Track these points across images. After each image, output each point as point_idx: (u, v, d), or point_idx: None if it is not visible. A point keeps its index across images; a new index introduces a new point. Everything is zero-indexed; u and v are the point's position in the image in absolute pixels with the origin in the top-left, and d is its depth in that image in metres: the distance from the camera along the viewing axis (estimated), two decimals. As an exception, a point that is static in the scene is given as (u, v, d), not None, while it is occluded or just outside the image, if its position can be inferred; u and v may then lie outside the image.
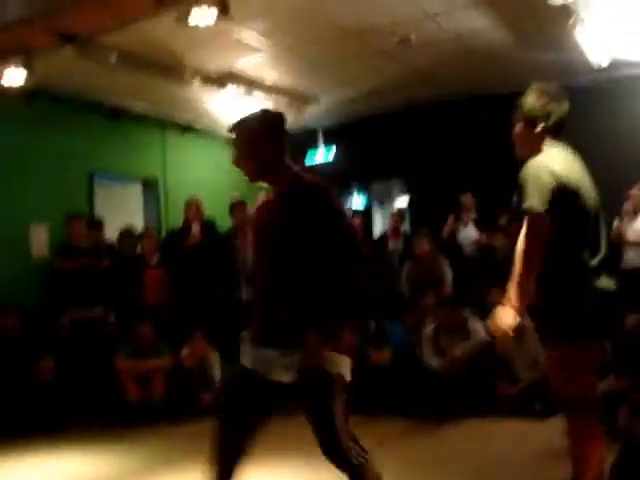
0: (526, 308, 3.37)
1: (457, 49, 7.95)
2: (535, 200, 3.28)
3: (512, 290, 3.32)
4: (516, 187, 3.49)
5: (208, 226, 8.71)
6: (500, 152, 9.35)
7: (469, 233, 9.03)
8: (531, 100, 3.61)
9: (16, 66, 6.66)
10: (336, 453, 3.22)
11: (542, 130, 3.55)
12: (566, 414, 3.49)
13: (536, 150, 3.51)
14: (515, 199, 3.48)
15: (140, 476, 5.41)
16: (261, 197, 10.15)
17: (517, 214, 3.42)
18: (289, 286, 3.19)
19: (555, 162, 3.39)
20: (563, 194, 3.30)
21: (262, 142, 3.34)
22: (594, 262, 3.38)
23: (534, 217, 3.28)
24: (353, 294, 3.19)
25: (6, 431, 6.58)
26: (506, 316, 3.30)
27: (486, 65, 8.51)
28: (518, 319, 3.30)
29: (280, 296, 3.23)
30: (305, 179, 3.30)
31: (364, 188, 15.22)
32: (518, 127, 3.70)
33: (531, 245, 3.30)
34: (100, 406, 7.36)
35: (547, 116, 3.53)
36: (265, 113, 3.50)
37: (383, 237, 9.85)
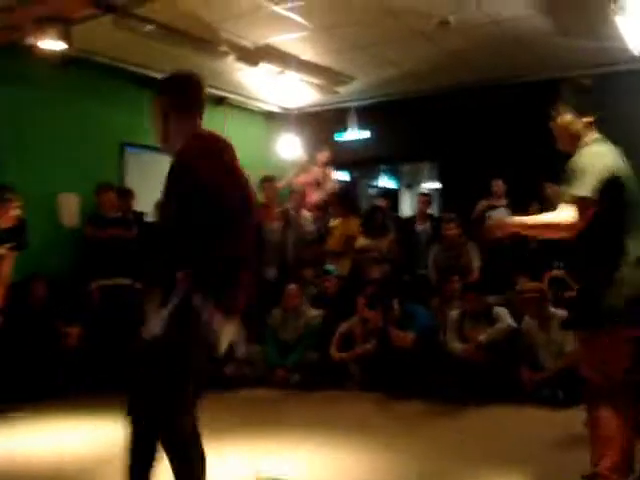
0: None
1: (496, 34, 7.85)
2: (587, 187, 3.37)
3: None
4: (562, 173, 3.55)
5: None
6: (534, 140, 9.38)
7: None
8: (573, 96, 3.77)
9: (55, 34, 6.66)
10: None
11: (588, 122, 3.64)
12: (590, 399, 3.55)
13: (581, 142, 3.61)
14: (561, 185, 3.59)
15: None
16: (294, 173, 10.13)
17: (562, 199, 3.49)
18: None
19: (606, 154, 3.51)
20: (612, 185, 3.40)
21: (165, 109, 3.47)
22: (637, 253, 3.44)
23: (583, 203, 3.37)
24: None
25: (36, 396, 6.73)
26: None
27: (525, 51, 8.40)
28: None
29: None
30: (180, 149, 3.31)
31: (393, 170, 15.25)
32: (561, 118, 3.76)
33: (571, 225, 3.40)
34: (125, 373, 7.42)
35: (589, 110, 3.65)
36: (171, 79, 3.59)
37: (410, 219, 9.83)
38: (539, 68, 8.92)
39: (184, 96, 3.44)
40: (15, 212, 6.54)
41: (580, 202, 3.38)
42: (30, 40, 6.71)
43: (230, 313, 3.19)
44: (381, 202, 10.28)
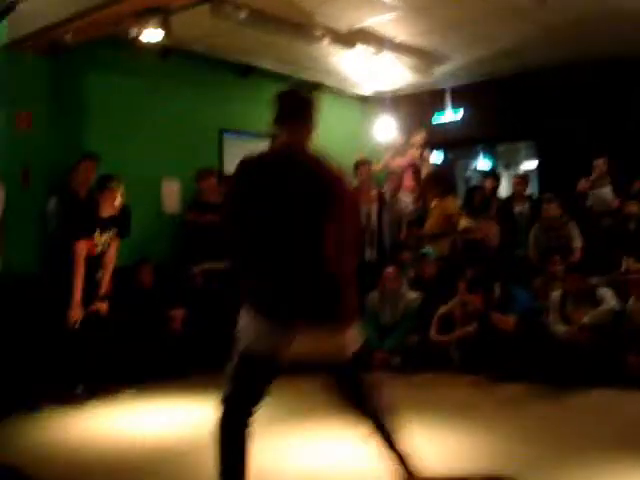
0: None
1: (595, 9, 7.63)
2: None
3: None
4: None
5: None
6: (635, 117, 9.12)
7: (602, 198, 8.73)
8: None
9: (154, 24, 6.82)
10: None
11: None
12: None
13: None
14: None
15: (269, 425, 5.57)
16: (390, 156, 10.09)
17: None
18: None
19: None
20: None
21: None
22: None
23: None
24: None
25: (143, 377, 6.97)
26: None
27: (627, 28, 8.12)
28: None
29: None
30: None
31: (490, 150, 15.01)
32: None
33: None
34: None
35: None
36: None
37: (509, 200, 9.69)
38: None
39: (279, 110, 3.69)
40: (118, 201, 6.75)
41: None
42: (132, 32, 6.88)
43: (279, 318, 3.29)
44: (488, 183, 10.12)
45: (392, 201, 9.26)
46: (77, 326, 6.46)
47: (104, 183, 6.75)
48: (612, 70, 9.23)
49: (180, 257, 8.29)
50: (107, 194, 6.70)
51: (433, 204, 9.08)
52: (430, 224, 8.86)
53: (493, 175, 10.52)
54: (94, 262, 6.72)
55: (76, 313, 6.45)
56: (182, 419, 5.92)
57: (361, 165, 9.05)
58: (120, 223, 6.89)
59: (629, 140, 9.00)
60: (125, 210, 6.93)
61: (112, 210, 6.75)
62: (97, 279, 6.81)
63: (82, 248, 6.54)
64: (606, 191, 8.74)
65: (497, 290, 7.25)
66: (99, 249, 6.75)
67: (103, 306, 6.77)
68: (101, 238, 6.73)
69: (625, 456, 4.50)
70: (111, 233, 6.80)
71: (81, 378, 6.57)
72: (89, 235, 6.64)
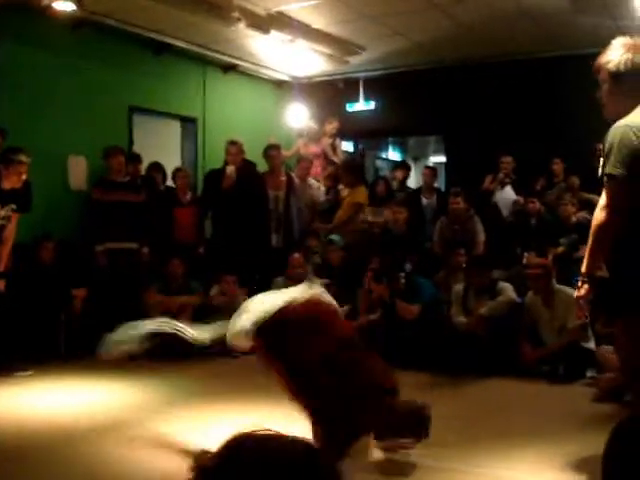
0: (590, 278, 3.35)
1: (512, 9, 7.81)
2: (616, 165, 3.15)
3: (585, 259, 3.34)
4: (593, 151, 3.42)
5: (246, 168, 8.72)
6: (541, 116, 9.40)
7: (506, 195, 8.99)
8: (616, 55, 3.33)
9: (67, -6, 6.66)
10: None
11: (631, 87, 3.30)
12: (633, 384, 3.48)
13: (626, 110, 3.27)
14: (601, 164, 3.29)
15: (167, 407, 5.54)
16: (303, 142, 10.09)
17: (599, 180, 3.30)
18: None
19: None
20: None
21: None
22: None
23: (614, 184, 3.17)
24: None
25: (42, 357, 6.80)
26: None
27: (538, 28, 8.36)
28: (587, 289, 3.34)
29: None
30: None
31: (400, 142, 15.25)
32: (605, 87, 3.41)
33: (609, 216, 3.20)
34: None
35: (636, 71, 3.28)
36: None
37: (417, 191, 9.86)
38: (550, 45, 8.87)
39: None
40: (24, 175, 6.55)
41: (609, 181, 3.18)
42: (44, 0, 6.68)
43: None
44: (398, 173, 10.26)
45: (301, 187, 9.28)
46: None
47: (11, 155, 6.52)
48: (522, 69, 9.47)
49: (84, 235, 8.10)
50: (13, 167, 6.47)
51: (345, 193, 9.15)
52: (340, 214, 8.92)
53: (404, 166, 10.68)
54: None
55: None
56: (79, 400, 5.82)
57: (272, 150, 9.03)
58: (21, 197, 6.67)
59: (533, 137, 9.26)
60: (26, 184, 6.71)
61: (16, 184, 6.53)
62: None
63: None
64: (508, 192, 9.01)
65: (402, 280, 7.36)
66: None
67: (1, 283, 6.56)
68: (0, 212, 6.51)
69: (517, 441, 4.67)
70: (11, 207, 6.57)
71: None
72: None
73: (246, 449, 1.18)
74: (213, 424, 4.81)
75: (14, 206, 6.57)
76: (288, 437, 1.22)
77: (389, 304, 7.30)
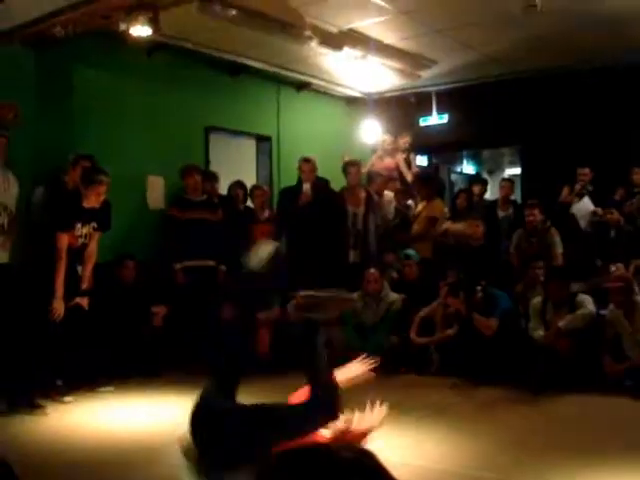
0: None
1: (584, 19, 7.69)
2: None
3: None
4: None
5: (320, 186, 8.77)
6: (618, 126, 9.22)
7: (584, 206, 8.82)
8: None
9: (144, 21, 6.82)
10: None
11: None
12: None
13: None
14: None
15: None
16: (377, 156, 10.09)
17: None
18: None
19: None
20: None
21: None
22: None
23: None
24: None
25: (125, 373, 6.99)
26: None
27: (614, 36, 8.19)
28: None
29: None
30: None
31: (474, 155, 15.13)
32: None
33: None
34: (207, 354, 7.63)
35: None
36: None
37: (493, 204, 9.76)
38: (628, 54, 8.68)
39: None
40: (102, 195, 6.73)
41: None
42: (121, 26, 6.88)
43: None
44: (476, 188, 10.20)
45: (378, 203, 9.29)
46: (59, 320, 6.43)
47: (92, 176, 6.72)
48: (598, 79, 9.30)
49: (162, 253, 8.27)
50: (93, 187, 6.67)
51: (420, 207, 9.12)
52: (415, 227, 8.89)
53: (481, 180, 10.62)
54: (75, 255, 6.68)
55: (58, 307, 6.41)
56: (160, 416, 5.92)
57: (351, 166, 9.06)
58: (101, 216, 6.85)
59: (611, 147, 9.09)
60: (106, 204, 6.90)
61: (95, 203, 6.71)
62: (78, 273, 6.79)
63: (64, 240, 6.49)
64: (587, 203, 8.83)
65: (479, 293, 7.29)
66: (80, 241, 6.71)
67: (84, 301, 6.73)
68: (82, 230, 6.69)
69: (604, 460, 4.56)
70: (92, 226, 6.77)
71: (60, 373, 6.54)
72: (71, 227, 6.60)
73: (301, 457, 1.19)
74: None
75: (95, 224, 6.77)
76: (343, 445, 1.23)
77: (466, 318, 7.23)
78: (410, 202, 9.48)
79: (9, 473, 1.37)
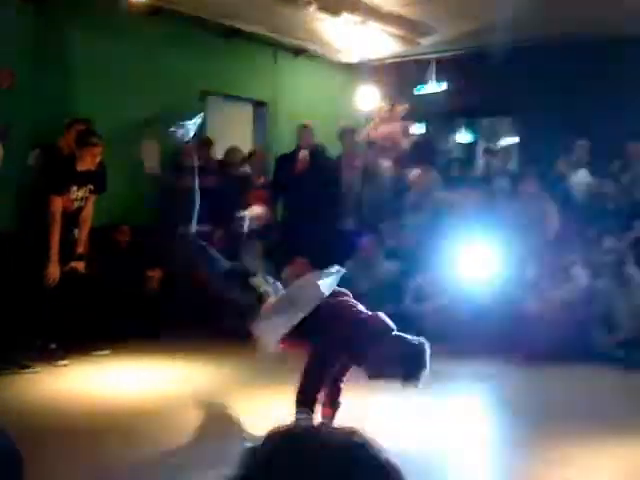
0: None
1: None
2: None
3: None
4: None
5: (318, 152, 8.75)
6: (616, 98, 9.17)
7: (581, 178, 8.81)
8: None
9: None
10: None
11: None
12: None
13: None
14: None
15: (242, 389, 5.64)
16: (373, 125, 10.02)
17: None
18: None
19: None
20: None
21: None
22: None
23: None
24: None
25: (118, 336, 6.98)
26: None
27: (613, 6, 8.13)
28: None
29: None
30: None
31: (471, 124, 15.02)
32: None
33: None
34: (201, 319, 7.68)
35: None
36: None
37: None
38: (628, 24, 8.62)
39: None
40: (98, 157, 6.70)
41: None
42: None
43: None
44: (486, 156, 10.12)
45: (373, 171, 9.27)
46: (54, 284, 6.44)
47: (85, 138, 6.68)
48: (597, 50, 9.25)
49: (158, 218, 8.27)
50: (88, 149, 6.63)
51: (414, 176, 9.08)
52: (412, 197, 8.85)
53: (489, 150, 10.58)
54: (71, 218, 6.68)
55: (53, 271, 6.42)
56: (156, 378, 5.97)
57: (347, 133, 9.03)
58: (96, 179, 6.83)
59: (608, 120, 9.06)
60: (101, 166, 6.87)
61: (90, 165, 6.68)
62: (74, 237, 6.78)
63: (58, 203, 6.48)
64: (584, 175, 8.82)
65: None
66: (76, 205, 6.70)
67: (80, 265, 6.75)
68: (78, 193, 6.67)
69: (609, 426, 4.65)
70: (87, 189, 6.75)
71: (56, 336, 6.56)
72: (65, 190, 6.58)
73: (290, 440, 1.19)
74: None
75: (91, 187, 6.74)
76: (331, 427, 1.23)
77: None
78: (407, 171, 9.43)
79: (10, 449, 1.37)
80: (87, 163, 6.65)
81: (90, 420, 4.87)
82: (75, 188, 6.64)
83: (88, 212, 6.83)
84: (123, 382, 5.90)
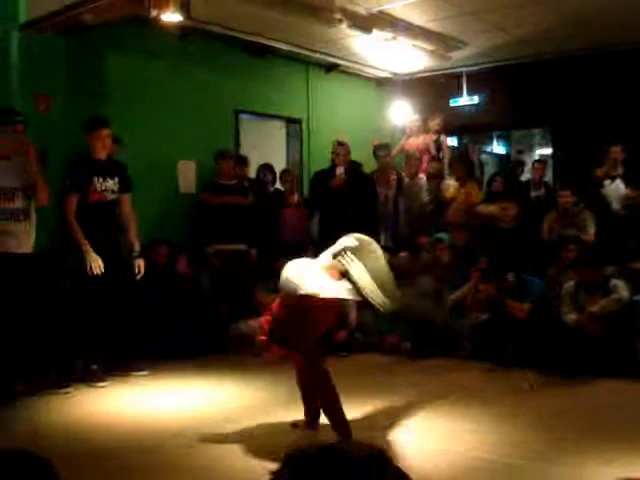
0: None
1: (616, 1, 7.59)
2: None
3: None
4: None
5: (354, 169, 8.76)
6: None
7: (616, 188, 8.72)
8: None
9: (175, 6, 6.82)
10: None
11: None
12: None
13: None
14: None
15: (279, 406, 5.64)
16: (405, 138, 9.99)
17: None
18: None
19: None
20: None
21: None
22: None
23: None
24: None
25: (159, 356, 7.01)
26: None
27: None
28: None
29: None
30: None
31: (504, 135, 15.01)
32: None
33: None
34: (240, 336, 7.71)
35: None
36: None
37: (526, 184, 9.69)
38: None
39: None
40: (106, 140, 6.61)
41: None
42: (152, 13, 6.88)
43: None
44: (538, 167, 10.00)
45: (410, 185, 9.26)
46: (100, 270, 6.38)
47: (92, 124, 6.61)
48: (629, 60, 9.19)
49: (195, 238, 8.33)
50: (95, 134, 6.55)
51: (454, 190, 9.01)
52: (453, 215, 8.78)
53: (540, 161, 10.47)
54: (107, 212, 6.66)
55: (92, 259, 6.35)
56: (195, 400, 5.98)
57: (381, 149, 9.05)
58: (120, 173, 6.75)
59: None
60: (117, 163, 6.84)
61: (103, 151, 6.60)
62: (120, 239, 6.78)
63: (72, 202, 6.43)
64: (618, 185, 8.71)
65: (510, 279, 7.25)
66: (109, 196, 6.63)
67: (140, 262, 6.76)
68: (105, 184, 6.60)
69: (628, 447, 4.53)
70: (115, 181, 6.67)
71: (97, 356, 6.60)
72: (86, 184, 6.50)
73: (312, 457, 1.19)
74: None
75: (117, 179, 6.67)
76: (353, 443, 1.24)
77: (498, 303, 7.21)
78: (445, 183, 9.36)
79: (31, 461, 1.38)
80: (99, 149, 6.58)
81: (130, 439, 4.89)
82: (100, 179, 6.56)
83: (128, 212, 6.80)
84: (159, 404, 5.88)
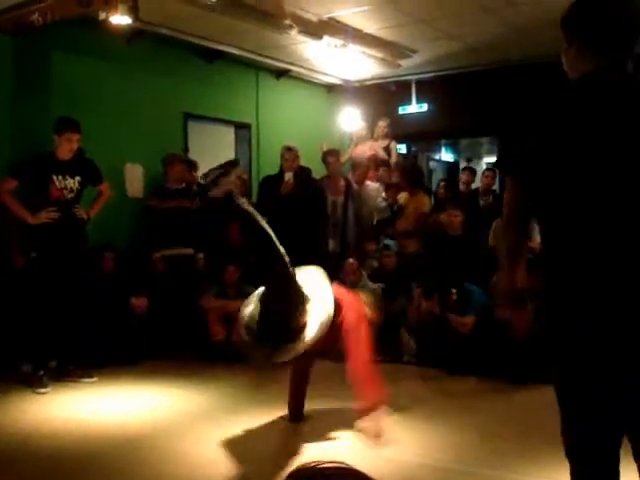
0: None
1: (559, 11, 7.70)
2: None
3: None
4: None
5: (303, 175, 8.74)
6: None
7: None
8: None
9: (123, 9, 6.75)
10: None
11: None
12: None
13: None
14: None
15: (225, 412, 5.61)
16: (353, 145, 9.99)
17: None
18: None
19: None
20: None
21: None
22: None
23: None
24: None
25: (104, 362, 6.96)
26: None
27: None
28: None
29: None
30: None
31: (453, 143, 15.18)
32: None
33: None
34: (186, 342, 7.66)
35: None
36: None
37: (474, 193, 9.77)
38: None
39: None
40: (75, 144, 6.59)
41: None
42: (101, 15, 6.81)
43: None
44: (464, 176, 10.05)
45: (358, 191, 9.27)
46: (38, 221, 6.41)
47: (62, 126, 6.58)
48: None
49: (142, 242, 8.24)
50: (65, 137, 6.52)
51: (403, 199, 9.03)
52: (405, 223, 8.80)
53: (469, 169, 10.57)
54: (66, 207, 6.60)
55: (32, 218, 6.42)
56: (141, 405, 5.92)
57: (330, 155, 9.05)
58: (84, 170, 6.73)
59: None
60: (85, 160, 6.81)
61: (68, 152, 6.57)
62: (79, 239, 6.78)
63: (6, 184, 6.47)
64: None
65: (453, 295, 7.28)
66: (68, 195, 6.59)
67: (81, 211, 6.75)
68: (65, 182, 6.56)
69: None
70: (77, 180, 6.65)
71: (40, 361, 6.50)
72: (46, 182, 6.49)
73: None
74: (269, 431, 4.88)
75: (79, 179, 6.66)
76: (351, 470, 1.23)
77: (441, 318, 7.24)
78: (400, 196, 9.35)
79: None
80: (65, 151, 6.55)
81: (77, 448, 4.83)
82: (59, 177, 6.54)
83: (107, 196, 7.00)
84: (110, 409, 5.80)
